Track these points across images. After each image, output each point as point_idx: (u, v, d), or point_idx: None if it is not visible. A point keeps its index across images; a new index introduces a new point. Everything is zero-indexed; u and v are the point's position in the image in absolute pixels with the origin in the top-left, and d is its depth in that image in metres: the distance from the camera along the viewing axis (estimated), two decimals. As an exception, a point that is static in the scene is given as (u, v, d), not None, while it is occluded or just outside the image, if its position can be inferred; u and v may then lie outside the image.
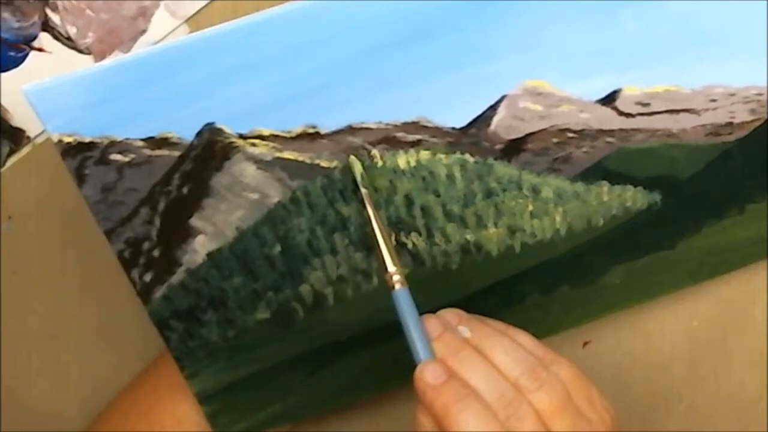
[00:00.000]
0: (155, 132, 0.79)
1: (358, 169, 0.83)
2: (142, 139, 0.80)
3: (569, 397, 0.73)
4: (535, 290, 0.89)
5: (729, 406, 0.97)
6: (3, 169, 0.91)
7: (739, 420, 0.97)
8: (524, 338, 0.77)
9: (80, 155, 0.79)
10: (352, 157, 0.83)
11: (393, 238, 0.83)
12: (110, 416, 0.93)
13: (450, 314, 0.78)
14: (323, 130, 0.81)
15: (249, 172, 0.82)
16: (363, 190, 0.82)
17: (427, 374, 0.73)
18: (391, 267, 0.78)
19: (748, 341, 0.96)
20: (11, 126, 0.90)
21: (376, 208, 0.83)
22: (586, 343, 0.96)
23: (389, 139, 0.82)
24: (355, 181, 0.82)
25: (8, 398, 0.95)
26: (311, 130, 0.81)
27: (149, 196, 0.81)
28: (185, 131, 0.80)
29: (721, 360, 0.97)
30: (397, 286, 0.77)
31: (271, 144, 0.81)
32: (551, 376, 0.73)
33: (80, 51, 0.89)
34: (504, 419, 0.71)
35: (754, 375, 0.97)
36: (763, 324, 0.96)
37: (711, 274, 0.92)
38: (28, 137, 0.91)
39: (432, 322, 0.76)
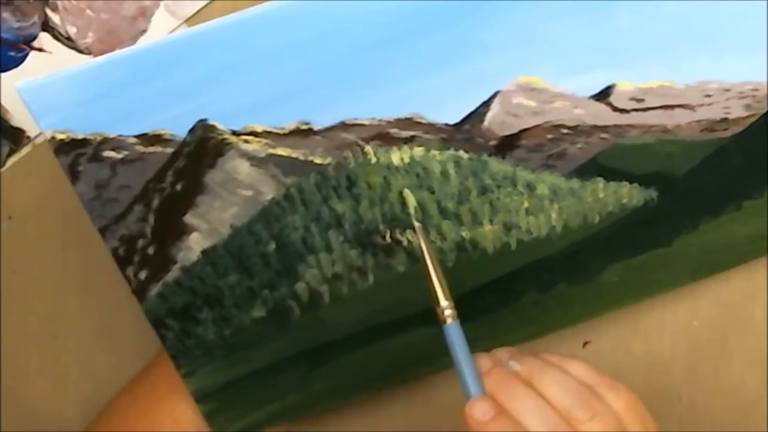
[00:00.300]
0: (148, 129, 0.80)
1: (411, 202, 0.83)
2: (135, 136, 0.80)
3: (622, 427, 0.73)
4: (532, 288, 0.89)
5: (729, 406, 0.96)
6: (3, 169, 0.92)
7: (739, 420, 0.96)
8: (577, 367, 0.76)
9: (73, 152, 0.79)
10: (407, 191, 0.83)
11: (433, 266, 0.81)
12: (109, 416, 0.93)
13: (502, 352, 0.78)
14: (316, 127, 0.82)
15: (242, 168, 0.82)
16: (416, 224, 0.82)
17: (476, 411, 0.73)
18: (443, 301, 0.77)
19: (748, 341, 0.96)
20: (11, 126, 0.90)
21: (371, 205, 0.83)
22: (586, 343, 0.95)
23: (382, 136, 0.82)
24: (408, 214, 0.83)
25: (8, 398, 0.96)
26: (304, 127, 0.81)
27: (143, 194, 0.82)
28: (178, 128, 0.80)
29: (721, 360, 0.96)
30: (449, 321, 0.77)
31: (264, 141, 0.81)
32: (604, 405, 0.73)
33: (80, 51, 0.90)
34: None
35: (754, 375, 0.96)
36: (763, 323, 0.95)
37: (710, 272, 0.92)
38: (28, 137, 0.91)
39: (483, 358, 0.76)
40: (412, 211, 0.83)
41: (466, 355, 0.75)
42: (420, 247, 0.80)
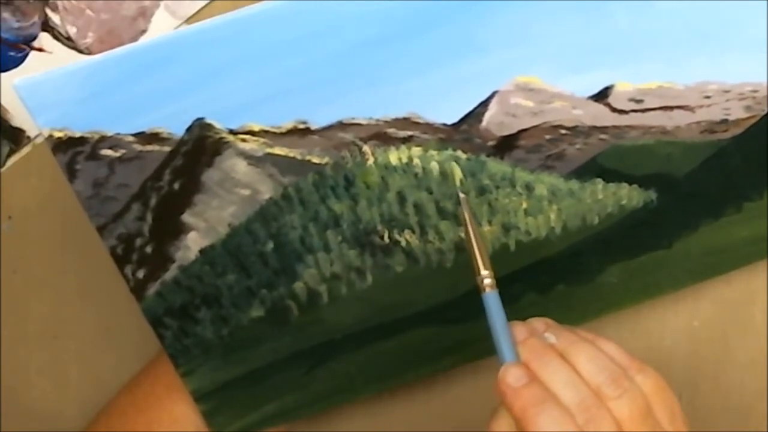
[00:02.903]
0: (145, 127, 0.80)
1: (457, 173, 0.83)
2: (133, 135, 0.80)
3: (650, 409, 0.73)
4: (532, 289, 0.89)
5: (729, 406, 0.96)
6: (3, 169, 0.92)
7: (739, 420, 0.96)
8: (611, 347, 0.76)
9: (71, 150, 0.79)
10: (453, 163, 0.83)
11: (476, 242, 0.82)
12: (109, 416, 0.94)
13: (538, 322, 0.78)
14: (314, 126, 0.82)
15: (240, 167, 0.82)
16: (461, 195, 0.82)
17: (509, 376, 0.74)
18: (483, 270, 0.78)
19: (748, 341, 0.96)
20: (11, 126, 0.91)
21: (369, 205, 0.83)
22: (586, 344, 0.95)
23: (380, 135, 0.82)
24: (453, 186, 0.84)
25: (8, 398, 0.96)
26: (301, 126, 0.81)
27: (141, 192, 0.82)
28: (175, 126, 0.80)
29: (721, 360, 0.96)
30: (488, 289, 0.77)
31: (262, 140, 0.81)
32: (634, 385, 0.73)
33: (80, 51, 0.90)
34: (582, 423, 0.71)
35: (754, 375, 0.96)
36: (763, 324, 0.95)
37: (710, 274, 0.92)
38: (28, 137, 0.91)
39: (519, 327, 0.77)
40: (457, 182, 0.83)
41: (503, 323, 0.76)
42: (463, 217, 0.79)
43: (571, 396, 0.72)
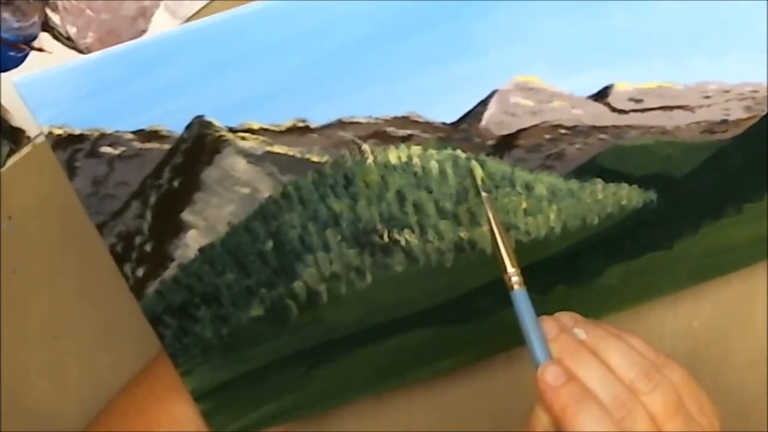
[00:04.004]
0: (145, 125, 0.80)
1: (479, 173, 0.83)
2: (132, 132, 0.80)
3: (681, 401, 0.75)
4: (531, 290, 0.88)
5: (729, 407, 0.95)
6: (3, 169, 0.92)
7: (739, 420, 0.96)
8: (637, 342, 0.78)
9: (70, 148, 0.79)
10: (474, 162, 0.84)
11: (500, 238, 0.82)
12: (109, 416, 0.94)
13: (566, 317, 0.79)
14: (313, 124, 0.81)
15: (239, 166, 0.82)
16: (483, 194, 0.82)
17: (548, 375, 0.75)
18: (510, 268, 0.78)
19: (748, 341, 0.96)
20: (11, 126, 0.91)
21: (368, 204, 0.83)
22: (586, 345, 0.95)
23: (379, 134, 0.82)
24: (475, 185, 0.84)
25: (8, 398, 0.96)
26: (301, 124, 0.81)
27: (140, 190, 0.82)
28: (175, 124, 0.80)
29: (721, 360, 0.96)
30: (516, 287, 0.78)
31: (261, 138, 0.81)
32: (664, 378, 0.75)
33: (80, 51, 0.90)
34: (619, 419, 0.73)
35: (754, 375, 0.96)
36: (763, 324, 0.95)
37: (710, 276, 0.92)
38: (28, 137, 0.92)
39: (549, 323, 0.78)
40: (479, 181, 0.83)
41: (534, 321, 0.77)
42: (487, 216, 0.80)
43: (607, 392, 0.74)
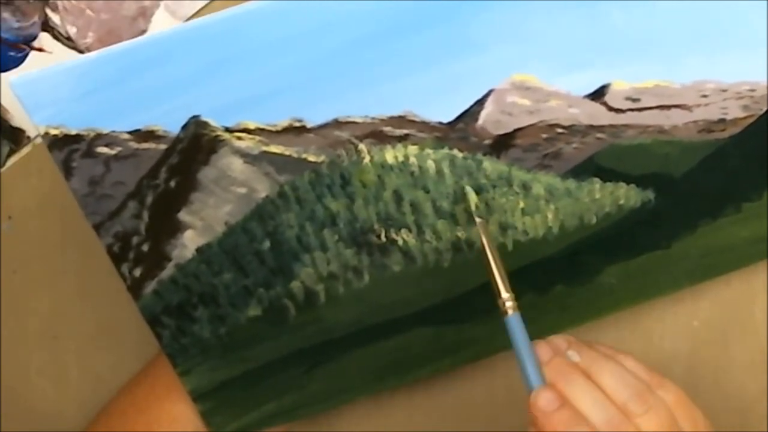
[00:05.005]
0: (141, 125, 0.80)
1: (472, 198, 0.83)
2: (129, 132, 0.80)
3: (675, 421, 0.75)
4: (530, 290, 0.89)
5: (729, 407, 0.96)
6: (3, 169, 0.92)
7: (739, 420, 0.96)
8: (631, 362, 0.78)
9: (67, 148, 0.80)
10: (468, 188, 0.84)
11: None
12: (109, 416, 0.94)
13: (560, 339, 0.79)
14: (309, 124, 0.82)
15: (236, 166, 0.82)
16: (478, 220, 0.83)
17: (541, 401, 0.75)
18: (504, 293, 0.79)
19: (749, 341, 0.95)
20: (11, 126, 0.91)
21: (365, 204, 0.83)
22: (586, 345, 0.95)
23: (376, 134, 0.82)
24: (469, 211, 0.84)
25: (8, 398, 0.96)
26: (297, 124, 0.81)
27: (137, 190, 0.82)
28: (171, 124, 0.80)
29: (721, 360, 0.96)
30: (510, 312, 0.78)
31: (258, 138, 0.81)
32: (658, 400, 0.75)
33: (80, 51, 0.90)
34: None
35: (754, 375, 0.96)
36: (763, 324, 0.95)
37: (709, 275, 0.91)
38: (28, 137, 0.92)
39: (543, 347, 0.78)
40: (472, 206, 0.83)
41: (527, 346, 0.77)
42: (481, 241, 0.81)
43: (600, 416, 0.74)
